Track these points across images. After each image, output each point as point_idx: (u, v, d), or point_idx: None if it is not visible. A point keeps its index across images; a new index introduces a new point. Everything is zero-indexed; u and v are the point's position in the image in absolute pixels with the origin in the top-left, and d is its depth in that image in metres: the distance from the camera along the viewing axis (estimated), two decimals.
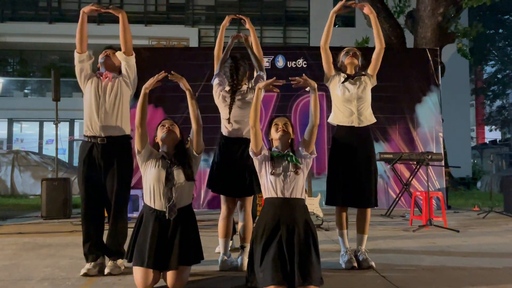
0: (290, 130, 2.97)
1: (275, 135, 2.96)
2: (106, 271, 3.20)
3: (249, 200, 3.41)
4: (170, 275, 2.76)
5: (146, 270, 2.73)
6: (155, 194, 2.88)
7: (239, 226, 3.46)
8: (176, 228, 2.83)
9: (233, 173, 3.32)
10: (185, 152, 3.02)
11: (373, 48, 3.61)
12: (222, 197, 3.44)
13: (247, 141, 3.31)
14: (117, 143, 3.31)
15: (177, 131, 3.02)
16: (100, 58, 3.40)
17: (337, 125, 3.58)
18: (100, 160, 3.26)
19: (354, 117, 3.49)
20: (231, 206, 3.43)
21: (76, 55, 3.36)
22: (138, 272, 2.75)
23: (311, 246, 2.70)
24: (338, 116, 3.56)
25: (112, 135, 3.29)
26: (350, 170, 3.42)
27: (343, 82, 3.53)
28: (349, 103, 3.51)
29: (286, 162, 2.88)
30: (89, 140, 3.30)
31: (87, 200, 3.29)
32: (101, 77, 3.35)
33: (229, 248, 3.48)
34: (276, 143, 2.98)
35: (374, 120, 3.59)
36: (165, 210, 2.83)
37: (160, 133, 3.00)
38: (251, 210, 3.45)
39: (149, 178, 2.92)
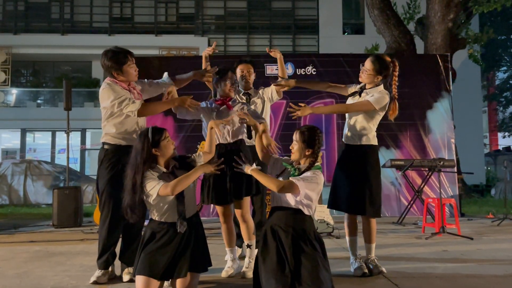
0: (295, 149, 2.89)
1: None
2: (126, 278, 3.21)
3: (243, 205, 3.38)
4: (179, 282, 2.74)
5: (149, 279, 2.66)
6: (165, 208, 2.80)
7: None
8: (186, 237, 2.80)
9: (217, 182, 3.33)
10: (184, 158, 3.01)
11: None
12: (217, 206, 3.48)
13: (228, 146, 3.36)
14: None
15: None
16: (135, 73, 3.38)
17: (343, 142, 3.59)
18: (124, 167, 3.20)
19: (348, 133, 3.48)
20: (225, 214, 3.45)
21: None
22: (139, 280, 2.68)
23: (309, 254, 2.66)
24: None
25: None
26: (342, 176, 3.43)
27: (349, 96, 3.53)
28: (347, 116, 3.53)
29: (289, 171, 2.90)
30: (121, 148, 3.25)
31: (114, 208, 3.17)
32: (133, 90, 3.36)
33: (237, 256, 3.50)
34: None
35: (370, 143, 3.41)
36: (176, 221, 2.77)
37: (170, 149, 2.88)
38: (248, 211, 3.45)
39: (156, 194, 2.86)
